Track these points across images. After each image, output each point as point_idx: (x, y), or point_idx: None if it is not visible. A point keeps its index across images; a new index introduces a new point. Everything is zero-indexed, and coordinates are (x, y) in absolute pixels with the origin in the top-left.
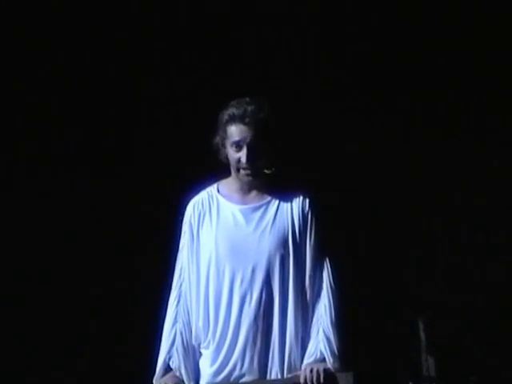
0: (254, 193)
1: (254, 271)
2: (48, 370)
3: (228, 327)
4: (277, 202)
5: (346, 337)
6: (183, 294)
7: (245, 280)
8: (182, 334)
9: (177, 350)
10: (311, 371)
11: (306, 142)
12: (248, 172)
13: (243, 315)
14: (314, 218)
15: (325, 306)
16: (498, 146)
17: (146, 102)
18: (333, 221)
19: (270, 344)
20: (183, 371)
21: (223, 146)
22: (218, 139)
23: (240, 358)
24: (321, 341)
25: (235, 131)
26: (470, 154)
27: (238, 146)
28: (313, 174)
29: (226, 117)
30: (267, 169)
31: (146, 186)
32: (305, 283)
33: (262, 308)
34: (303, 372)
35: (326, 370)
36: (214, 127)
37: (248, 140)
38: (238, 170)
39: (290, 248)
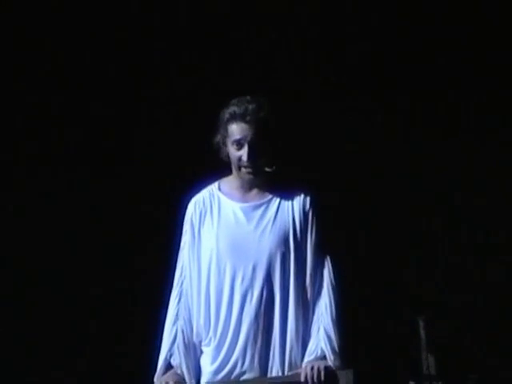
0: (254, 191)
1: (254, 269)
2: (48, 370)
3: (229, 325)
4: (278, 200)
5: (346, 335)
6: (184, 291)
7: (246, 278)
8: (183, 331)
9: (178, 347)
10: (312, 369)
11: (307, 141)
12: (249, 170)
13: (244, 313)
14: (314, 217)
15: (325, 304)
16: (497, 146)
17: (145, 102)
18: (333, 220)
19: (271, 342)
20: (184, 369)
21: (224, 144)
22: (218, 137)
23: (241, 356)
24: (321, 339)
25: (236, 129)
26: (470, 153)
27: (238, 144)
28: (313, 172)
29: (226, 115)
30: (268, 167)
31: (145, 185)
32: (305, 281)
33: (262, 306)
34: (304, 370)
35: (326, 368)
36: (214, 126)
37: (249, 138)
38: (239, 168)
39: (290, 246)
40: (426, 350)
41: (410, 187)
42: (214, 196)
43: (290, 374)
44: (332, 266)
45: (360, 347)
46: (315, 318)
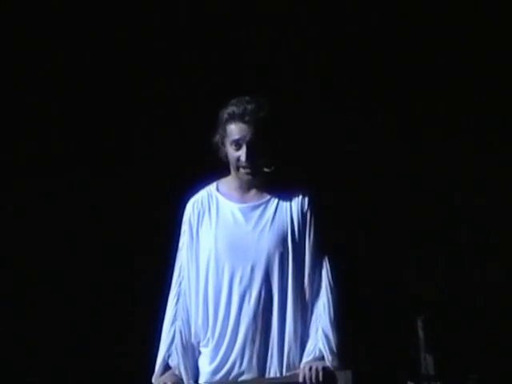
0: (253, 191)
1: (253, 269)
2: (48, 370)
3: (227, 325)
4: (276, 200)
5: (344, 335)
6: (182, 292)
7: (244, 278)
8: (181, 332)
9: (176, 348)
10: (310, 369)
11: (306, 141)
12: (248, 171)
13: (242, 313)
14: (313, 217)
15: (324, 305)
16: (498, 146)
17: (146, 101)
18: (332, 220)
19: (269, 342)
20: (182, 369)
21: (223, 144)
22: (217, 138)
23: (239, 356)
24: (320, 339)
25: (235, 130)
26: (470, 153)
27: (237, 144)
28: (312, 173)
29: (225, 115)
30: (267, 167)
31: (145, 185)
32: (304, 281)
33: (261, 306)
34: (302, 370)
35: (324, 368)
36: (213, 126)
37: (248, 138)
38: (237, 168)
39: (289, 246)
40: (425, 351)
41: (410, 187)
42: (212, 196)
43: (288, 374)
44: (330, 266)
45: (358, 348)
46: (313, 318)
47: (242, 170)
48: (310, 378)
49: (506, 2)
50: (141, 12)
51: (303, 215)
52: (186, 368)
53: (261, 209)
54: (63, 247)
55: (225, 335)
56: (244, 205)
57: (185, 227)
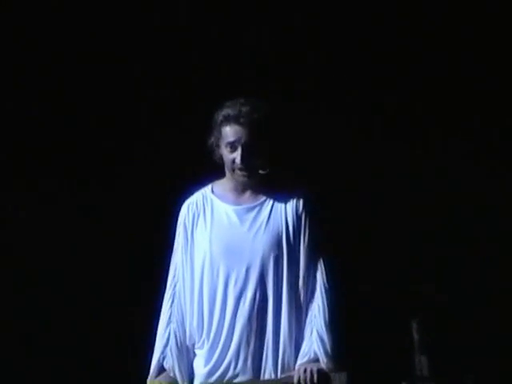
0: (248, 193)
1: (248, 271)
2: (48, 370)
3: (222, 327)
4: (271, 202)
5: (339, 337)
6: (177, 294)
7: (239, 280)
8: (175, 334)
9: (171, 350)
10: (305, 371)
11: (302, 143)
12: (243, 173)
13: (238, 315)
14: (308, 219)
15: (318, 307)
16: (498, 145)
17: (146, 102)
18: (328, 222)
19: (264, 344)
20: (177, 371)
21: (218, 146)
22: (212, 140)
23: (234, 358)
24: (314, 341)
25: (230, 132)
26: (470, 153)
27: (232, 146)
28: (308, 174)
29: (220, 117)
30: (262, 169)
31: (145, 186)
32: (299, 283)
33: (255, 308)
34: (297, 372)
35: (319, 371)
36: (208, 128)
37: (243, 141)
38: (232, 170)
39: (284, 248)
40: (419, 352)
41: (410, 187)
42: (207, 198)
43: (283, 376)
44: (325, 268)
45: (353, 348)
46: (308, 320)
47: (237, 172)
48: (305, 380)
49: (506, 2)
50: (141, 12)
51: (298, 217)
52: (180, 370)
53: (256, 211)
54: (63, 247)
55: (220, 337)
56: (239, 207)
57: (180, 229)
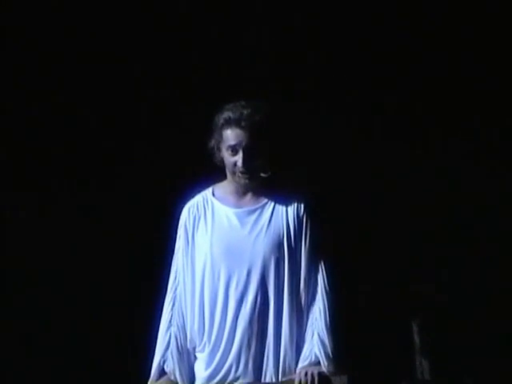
0: (249, 196)
1: (249, 274)
2: (48, 370)
3: (223, 330)
4: (272, 204)
5: (340, 340)
6: (178, 297)
7: (240, 283)
8: (176, 337)
9: (171, 353)
10: (306, 374)
11: (302, 143)
12: (244, 176)
13: (239, 318)
14: (309, 222)
15: (319, 310)
16: (498, 145)
17: (146, 101)
18: (329, 224)
19: (265, 347)
20: (177, 375)
21: (218, 149)
22: (213, 142)
23: (235, 361)
24: (315, 344)
25: (231, 135)
26: (470, 153)
27: (233, 149)
28: (309, 174)
29: (221, 120)
30: (264, 172)
31: (145, 186)
32: (300, 286)
33: (256, 311)
34: (298, 375)
35: (320, 374)
36: (209, 130)
37: (244, 144)
38: (234, 173)
39: (284, 251)
40: (420, 355)
41: (410, 187)
42: (207, 201)
43: (284, 379)
44: (326, 270)
45: (354, 351)
46: (309, 323)
47: (238, 175)
48: (306, 383)
49: (506, 2)
50: (141, 12)
51: (299, 220)
52: (181, 373)
53: (256, 213)
54: (63, 247)
55: (221, 340)
56: (239, 209)
57: (180, 232)
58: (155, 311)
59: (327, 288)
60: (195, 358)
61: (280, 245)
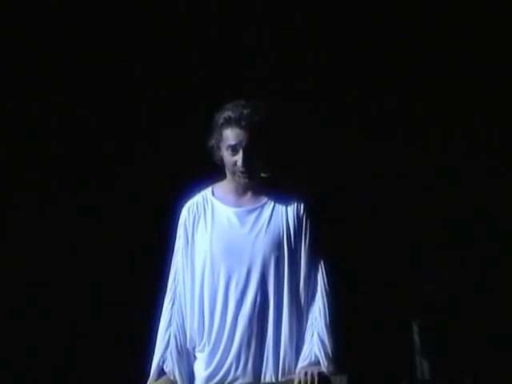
0: (249, 195)
1: (249, 273)
2: (48, 370)
3: (223, 330)
4: (272, 204)
5: (340, 340)
6: (177, 297)
7: (240, 282)
8: (176, 337)
9: (171, 353)
10: (305, 374)
11: (302, 143)
12: (245, 175)
13: (239, 318)
14: (309, 221)
15: (319, 309)
16: (498, 145)
17: (146, 101)
18: (329, 223)
19: (265, 347)
20: (177, 374)
21: (218, 148)
22: (213, 142)
23: (235, 361)
24: (315, 344)
25: (231, 135)
26: (470, 153)
27: (233, 149)
28: (308, 174)
29: (221, 120)
30: (264, 172)
31: (145, 186)
32: (299, 286)
33: (256, 310)
34: (297, 375)
35: (320, 373)
36: (209, 130)
37: (244, 144)
38: (234, 172)
39: (284, 250)
40: (421, 355)
41: (410, 187)
42: (207, 201)
43: (283, 379)
44: (326, 270)
45: (354, 351)
46: (309, 322)
47: (238, 175)
48: (306, 383)
49: (506, 2)
50: (141, 12)
51: (299, 219)
52: (180, 373)
53: (256, 213)
54: (63, 247)
55: (221, 340)
56: (239, 209)
57: (180, 232)
58: (155, 311)
59: (327, 287)
60: (195, 357)
61: (280, 244)
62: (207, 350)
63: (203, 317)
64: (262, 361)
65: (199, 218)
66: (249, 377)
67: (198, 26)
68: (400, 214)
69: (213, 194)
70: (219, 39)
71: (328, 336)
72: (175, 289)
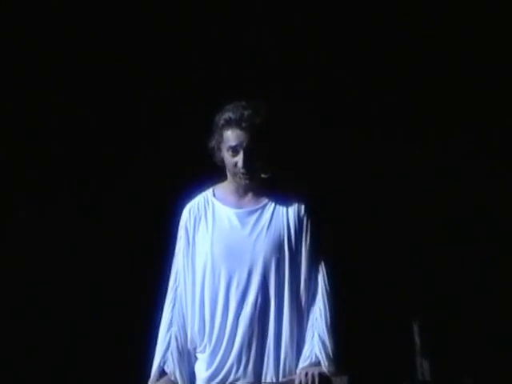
0: (249, 196)
1: (249, 274)
2: (48, 370)
3: (224, 331)
4: (272, 205)
5: (341, 340)
6: (178, 298)
7: (241, 283)
8: (177, 338)
9: (172, 354)
10: (306, 375)
11: (302, 143)
12: (245, 176)
13: (240, 319)
14: (309, 222)
15: (320, 310)
16: (498, 146)
17: (146, 102)
18: (330, 224)
19: (266, 348)
20: (178, 375)
21: (219, 149)
22: (213, 143)
23: (235, 362)
24: (316, 344)
25: (232, 136)
26: (470, 153)
27: (234, 150)
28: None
29: (222, 121)
30: (264, 173)
31: (145, 185)
32: (300, 287)
33: (257, 311)
34: (298, 376)
35: (320, 374)
36: (209, 131)
37: (244, 145)
38: (234, 173)
39: (285, 252)
40: (421, 356)
41: (410, 187)
42: (208, 202)
43: (284, 380)
44: (327, 271)
45: (355, 351)
46: (310, 323)
47: (239, 176)
48: None
49: (506, 2)
50: (141, 12)
51: (300, 220)
52: (181, 374)
53: (257, 214)
54: (63, 247)
55: (222, 341)
56: (240, 210)
57: (181, 233)
58: (155, 311)
59: (328, 288)
60: (196, 358)
61: (281, 245)
62: (208, 350)
63: (204, 318)
64: (263, 361)
65: (200, 219)
66: (250, 377)
67: (198, 26)
68: (400, 213)
69: (214, 195)
70: (219, 39)
71: (329, 337)
72: (176, 290)
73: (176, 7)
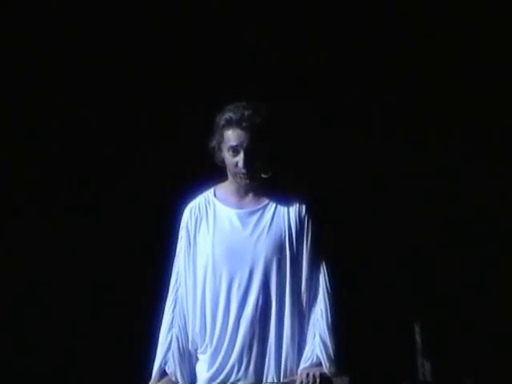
0: (250, 196)
1: (250, 275)
2: (48, 370)
3: (226, 332)
4: (273, 205)
5: (342, 341)
6: (179, 298)
7: (242, 284)
8: (178, 339)
9: (173, 355)
10: (307, 376)
11: (302, 143)
12: (246, 176)
13: (241, 320)
14: (310, 223)
15: (321, 311)
16: (498, 146)
17: (146, 101)
18: (331, 224)
19: (267, 348)
20: (179, 376)
21: (219, 149)
22: (214, 143)
23: (237, 363)
24: (317, 345)
25: (232, 136)
26: (470, 153)
27: (235, 150)
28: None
29: (222, 121)
30: (265, 173)
31: (145, 186)
32: (301, 287)
33: (258, 312)
34: (299, 376)
35: (322, 375)
36: (210, 131)
37: (245, 145)
38: (235, 173)
39: (286, 252)
40: (422, 356)
41: (410, 187)
42: (209, 202)
43: (285, 380)
44: (328, 271)
45: (356, 352)
46: (311, 324)
47: (239, 176)
48: None
49: (506, 2)
50: (141, 12)
51: (301, 221)
52: (182, 374)
53: (258, 214)
54: (63, 247)
55: (223, 341)
56: (241, 210)
57: (182, 233)
58: (155, 311)
59: (329, 289)
60: (197, 359)
61: (282, 246)
62: (209, 351)
63: (205, 319)
64: (264, 362)
65: (201, 219)
66: (251, 378)
67: (198, 25)
68: (400, 214)
69: (215, 195)
70: (219, 39)
71: (330, 337)
72: (177, 290)
73: (176, 7)
